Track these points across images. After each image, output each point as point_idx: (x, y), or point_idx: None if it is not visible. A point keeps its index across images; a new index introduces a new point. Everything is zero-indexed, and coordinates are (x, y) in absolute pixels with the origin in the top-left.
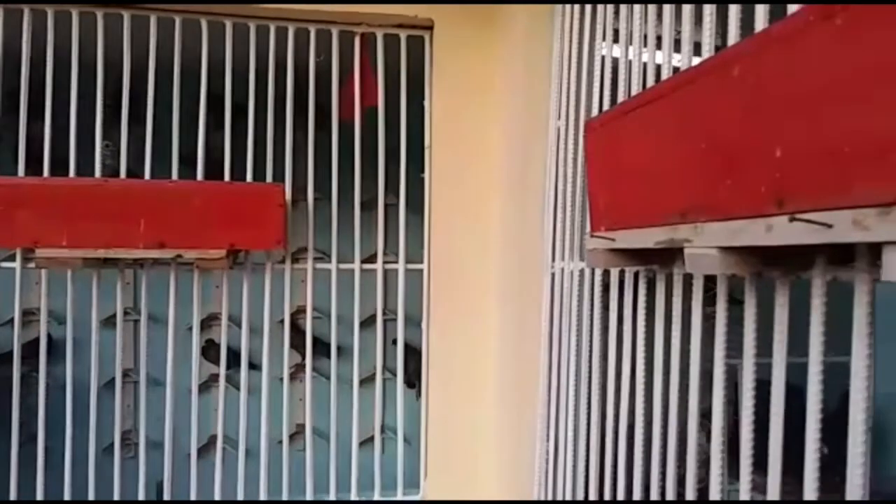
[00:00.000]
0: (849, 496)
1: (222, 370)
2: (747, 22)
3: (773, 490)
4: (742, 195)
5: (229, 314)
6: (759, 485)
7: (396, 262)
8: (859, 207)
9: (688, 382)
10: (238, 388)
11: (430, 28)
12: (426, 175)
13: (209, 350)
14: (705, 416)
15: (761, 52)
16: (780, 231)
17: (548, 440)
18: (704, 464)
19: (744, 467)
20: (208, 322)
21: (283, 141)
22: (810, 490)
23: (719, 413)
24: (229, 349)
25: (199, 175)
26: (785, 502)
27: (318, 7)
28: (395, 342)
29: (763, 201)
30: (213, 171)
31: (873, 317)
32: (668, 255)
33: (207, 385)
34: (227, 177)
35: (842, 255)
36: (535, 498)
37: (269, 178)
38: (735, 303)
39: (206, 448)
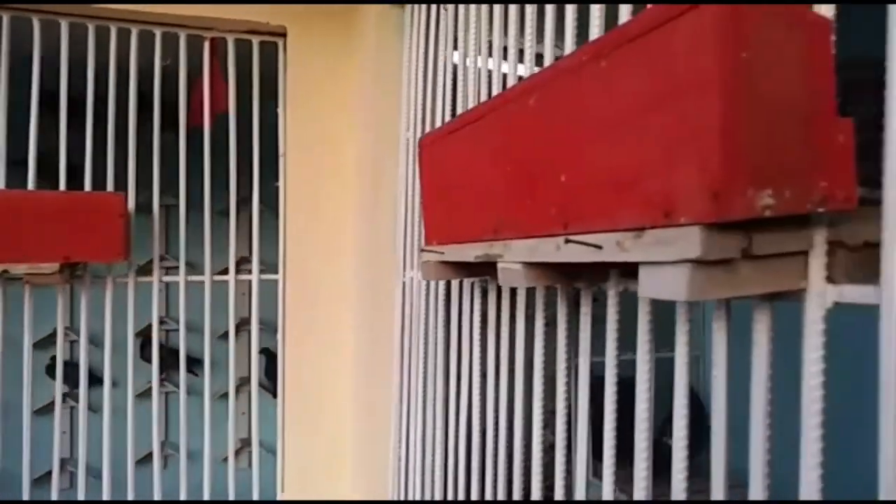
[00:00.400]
0: (635, 487)
1: (58, 390)
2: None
3: (582, 480)
4: (539, 216)
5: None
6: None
7: (251, 272)
8: (620, 231)
9: (514, 386)
10: (92, 409)
11: (284, 35)
12: (281, 183)
13: (54, 368)
14: (528, 417)
15: (549, 84)
16: (565, 250)
17: (400, 446)
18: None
19: (558, 464)
20: (54, 339)
21: (125, 147)
22: (608, 475)
23: (538, 415)
24: (77, 367)
25: (31, 182)
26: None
27: (165, 10)
28: (262, 352)
29: (553, 222)
30: (48, 177)
31: (654, 324)
32: (492, 268)
33: (51, 407)
34: (62, 184)
35: (633, 269)
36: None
37: (110, 186)
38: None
39: (47, 475)
